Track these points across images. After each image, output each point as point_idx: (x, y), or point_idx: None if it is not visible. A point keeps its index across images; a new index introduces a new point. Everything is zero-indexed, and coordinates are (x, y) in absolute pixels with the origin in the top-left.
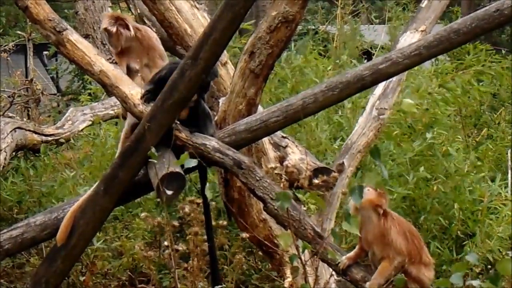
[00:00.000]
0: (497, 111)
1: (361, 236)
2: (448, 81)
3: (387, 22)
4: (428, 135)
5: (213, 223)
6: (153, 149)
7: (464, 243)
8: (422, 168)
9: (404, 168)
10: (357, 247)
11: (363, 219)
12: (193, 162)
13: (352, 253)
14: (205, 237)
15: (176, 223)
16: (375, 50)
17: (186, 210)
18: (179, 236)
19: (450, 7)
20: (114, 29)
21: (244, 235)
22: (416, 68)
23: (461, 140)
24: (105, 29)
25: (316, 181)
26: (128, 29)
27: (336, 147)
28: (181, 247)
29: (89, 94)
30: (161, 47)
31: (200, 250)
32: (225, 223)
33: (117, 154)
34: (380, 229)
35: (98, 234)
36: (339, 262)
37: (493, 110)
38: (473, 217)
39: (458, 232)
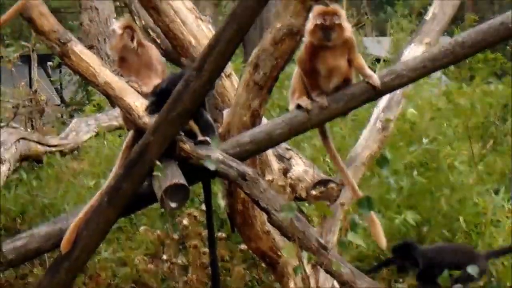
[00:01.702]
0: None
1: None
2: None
3: (391, 34)
4: (425, 141)
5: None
6: (157, 161)
7: None
8: (420, 177)
9: (401, 175)
10: None
11: None
12: (213, 166)
13: None
14: (207, 249)
15: (176, 235)
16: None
17: (185, 223)
18: (182, 248)
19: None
20: (119, 32)
21: (243, 246)
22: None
23: (465, 153)
24: (113, 30)
25: (313, 192)
26: (132, 40)
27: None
28: (180, 260)
29: (94, 106)
30: (159, 67)
31: (200, 263)
32: (224, 235)
33: (116, 163)
34: None
35: (102, 245)
36: None
37: (504, 121)
38: (476, 229)
39: None
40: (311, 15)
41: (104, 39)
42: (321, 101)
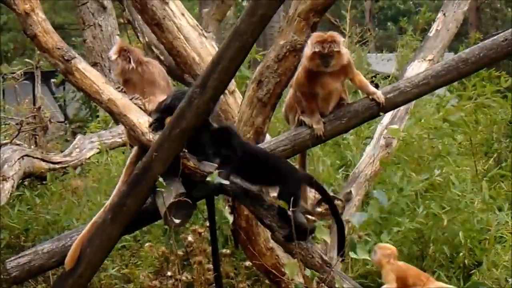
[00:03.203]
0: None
1: None
2: (451, 113)
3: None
4: (436, 172)
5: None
6: (160, 178)
7: (471, 272)
8: (428, 201)
9: (410, 201)
10: None
11: None
12: (223, 180)
13: None
14: (211, 265)
15: (180, 252)
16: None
17: (190, 239)
18: (186, 264)
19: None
20: (114, 58)
21: (248, 263)
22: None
23: (468, 169)
24: (109, 57)
25: (318, 209)
26: (129, 61)
27: (339, 176)
28: (185, 276)
29: (98, 122)
30: (162, 82)
31: (205, 279)
32: (229, 252)
33: (120, 179)
34: None
35: (106, 262)
36: None
37: (509, 137)
38: (480, 246)
39: (466, 261)
40: (309, 42)
41: (108, 56)
42: (319, 127)
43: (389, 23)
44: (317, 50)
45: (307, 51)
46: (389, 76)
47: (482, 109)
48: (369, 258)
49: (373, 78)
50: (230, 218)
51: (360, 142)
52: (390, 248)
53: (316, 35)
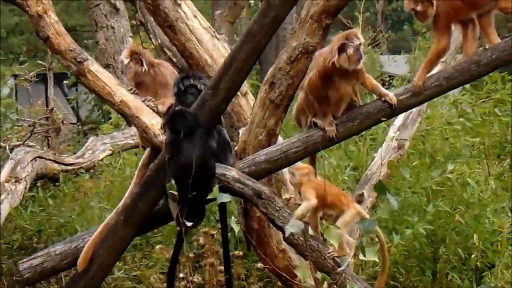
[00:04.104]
0: None
1: None
2: (467, 112)
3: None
4: (450, 167)
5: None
6: (172, 181)
7: (483, 274)
8: (440, 201)
9: (421, 198)
10: None
11: None
12: (226, 197)
13: None
14: (222, 267)
15: (191, 254)
16: (391, 81)
17: (201, 241)
18: (197, 266)
19: None
20: (126, 62)
21: (260, 265)
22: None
23: (480, 171)
24: (121, 61)
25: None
26: (141, 64)
27: (346, 177)
28: (196, 278)
29: (111, 124)
30: None
31: (216, 281)
32: (241, 253)
33: (132, 181)
34: None
35: (117, 263)
36: None
37: None
38: (492, 247)
39: (478, 263)
40: (338, 42)
41: (120, 60)
42: (331, 129)
43: (405, 25)
44: (359, 42)
45: (339, 52)
46: (403, 78)
47: (495, 110)
48: (377, 260)
49: (390, 80)
50: (236, 228)
51: (367, 143)
52: (307, 167)
53: (341, 34)
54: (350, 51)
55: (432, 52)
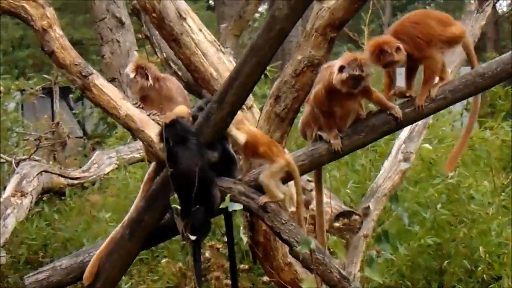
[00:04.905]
0: None
1: None
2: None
3: None
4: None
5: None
6: (176, 195)
7: (490, 286)
8: (443, 210)
9: (424, 207)
10: None
11: None
12: (237, 206)
13: None
14: (229, 280)
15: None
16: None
17: (207, 255)
18: (204, 280)
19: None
20: (132, 76)
21: (266, 278)
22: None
23: (486, 184)
24: (127, 75)
25: (337, 224)
26: (147, 78)
27: (348, 191)
28: None
29: (116, 138)
30: (180, 98)
31: None
32: (247, 267)
33: (138, 194)
34: None
35: (123, 277)
36: None
37: None
38: (499, 260)
39: (484, 275)
40: (341, 62)
41: (125, 74)
42: (336, 142)
43: None
44: (356, 73)
45: (340, 74)
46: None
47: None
48: (380, 281)
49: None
50: (245, 239)
51: (370, 155)
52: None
53: (350, 56)
54: (344, 76)
55: (429, 74)
